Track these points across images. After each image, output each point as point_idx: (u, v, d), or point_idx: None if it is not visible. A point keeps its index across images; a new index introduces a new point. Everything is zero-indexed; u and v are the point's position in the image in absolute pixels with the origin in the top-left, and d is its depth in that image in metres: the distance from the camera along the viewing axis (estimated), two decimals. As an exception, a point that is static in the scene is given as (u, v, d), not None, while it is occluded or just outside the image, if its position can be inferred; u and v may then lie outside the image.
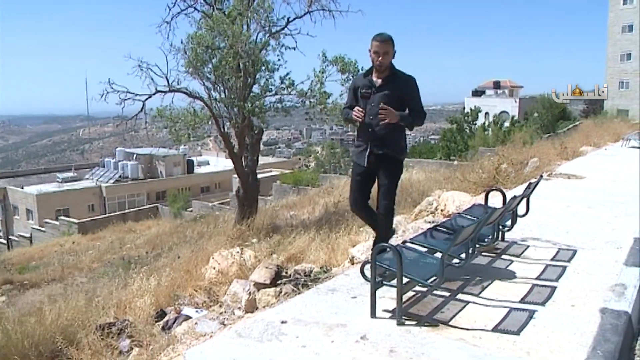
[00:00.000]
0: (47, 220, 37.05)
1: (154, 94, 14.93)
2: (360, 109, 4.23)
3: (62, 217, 36.53)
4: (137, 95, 14.91)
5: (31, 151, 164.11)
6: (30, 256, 25.47)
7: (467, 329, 3.43)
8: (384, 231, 4.46)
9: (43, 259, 23.27)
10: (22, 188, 43.92)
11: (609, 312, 3.67)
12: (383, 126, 4.24)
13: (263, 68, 15.20)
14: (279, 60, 15.12)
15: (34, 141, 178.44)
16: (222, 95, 15.17)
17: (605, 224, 6.25)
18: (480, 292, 4.05)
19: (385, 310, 3.66)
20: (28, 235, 37.33)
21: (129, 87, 14.80)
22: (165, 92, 14.88)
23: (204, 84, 15.12)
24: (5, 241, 39.76)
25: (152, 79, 14.65)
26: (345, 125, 19.29)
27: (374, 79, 4.32)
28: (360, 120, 4.25)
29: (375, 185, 4.51)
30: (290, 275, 4.81)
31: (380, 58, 4.17)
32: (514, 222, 5.35)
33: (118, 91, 14.58)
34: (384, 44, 4.18)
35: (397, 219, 7.48)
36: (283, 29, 14.94)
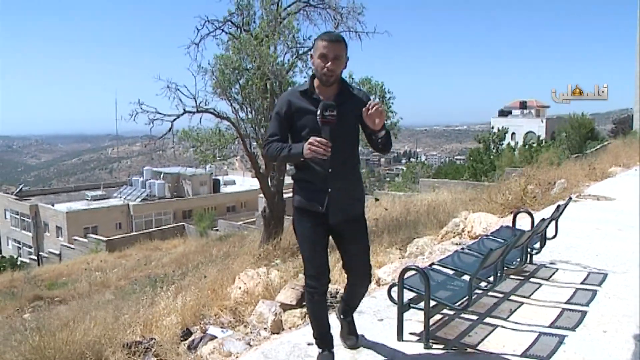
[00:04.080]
0: (76, 238, 37.67)
1: (182, 115, 15.18)
2: (324, 141, 2.84)
3: (91, 235, 37.08)
4: (165, 115, 15.20)
5: (62, 169, 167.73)
6: (59, 273, 25.86)
7: (496, 354, 3.38)
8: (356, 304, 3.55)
9: (71, 276, 23.59)
10: (53, 205, 44.80)
11: (642, 338, 3.59)
12: (350, 164, 3.14)
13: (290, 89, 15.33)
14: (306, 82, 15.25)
15: (64, 160, 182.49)
16: (250, 116, 15.33)
17: (636, 246, 6.12)
18: (509, 316, 4.00)
19: (412, 334, 3.63)
20: (57, 252, 37.98)
21: (157, 107, 15.12)
22: (193, 112, 15.11)
23: (231, 105, 15.31)
24: (35, 257, 40.52)
25: (180, 100, 14.93)
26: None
27: (320, 96, 3.06)
28: (326, 157, 2.86)
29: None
30: (316, 296, 4.80)
31: (329, 64, 2.96)
32: (542, 245, 5.28)
33: (147, 112, 14.89)
34: (335, 44, 2.99)
35: (423, 240, 7.44)
36: (310, 49, 15.09)
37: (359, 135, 3.16)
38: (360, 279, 3.31)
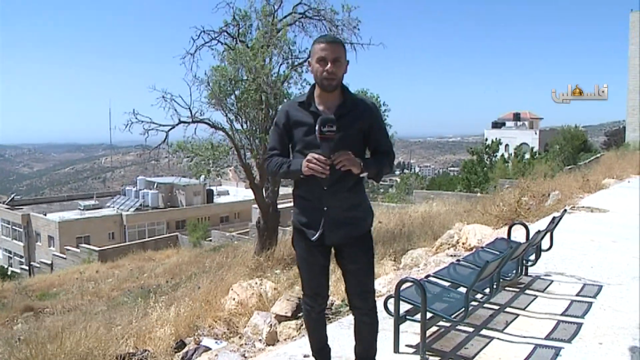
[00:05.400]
0: (68, 248, 37.45)
1: (177, 125, 15.17)
2: (323, 157, 2.62)
3: (83, 245, 36.85)
4: (160, 125, 15.17)
5: (55, 179, 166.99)
6: (51, 283, 25.64)
7: (492, 366, 3.37)
8: (373, 345, 3.07)
9: (63, 286, 23.41)
10: (45, 215, 44.53)
11: (638, 350, 3.58)
12: (351, 180, 2.80)
13: (285, 100, 15.37)
14: (300, 93, 15.30)
15: (57, 169, 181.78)
16: (244, 127, 15.34)
17: (631, 258, 6.14)
18: (505, 328, 3.99)
19: (408, 346, 3.62)
20: (49, 262, 37.71)
21: (152, 117, 15.09)
22: (188, 122, 15.11)
23: (226, 115, 15.32)
24: (27, 267, 40.20)
25: (175, 110, 14.93)
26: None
27: (319, 107, 2.79)
28: (325, 175, 2.64)
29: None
30: (311, 307, 4.77)
31: (329, 67, 2.69)
32: (537, 257, 5.29)
33: (142, 121, 14.86)
34: (334, 45, 2.73)
35: (418, 252, 7.43)
36: (305, 61, 15.12)
37: (364, 148, 2.86)
38: (358, 301, 2.95)
